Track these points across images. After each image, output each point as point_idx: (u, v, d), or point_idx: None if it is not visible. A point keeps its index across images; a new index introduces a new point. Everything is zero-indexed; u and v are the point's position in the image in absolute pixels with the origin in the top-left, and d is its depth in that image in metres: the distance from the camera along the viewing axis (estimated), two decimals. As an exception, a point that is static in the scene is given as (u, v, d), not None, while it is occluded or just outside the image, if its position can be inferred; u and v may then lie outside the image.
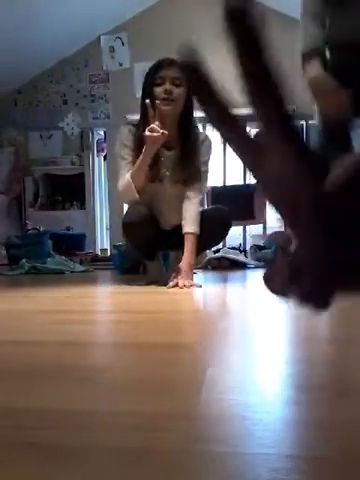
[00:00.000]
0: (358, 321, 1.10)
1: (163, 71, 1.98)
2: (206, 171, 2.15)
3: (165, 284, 1.90)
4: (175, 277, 1.94)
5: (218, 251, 3.73)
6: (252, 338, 0.93)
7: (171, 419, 0.48)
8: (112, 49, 4.76)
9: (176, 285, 1.88)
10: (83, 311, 1.32)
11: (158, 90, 1.97)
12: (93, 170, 4.77)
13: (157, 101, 1.96)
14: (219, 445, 0.42)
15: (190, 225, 2.02)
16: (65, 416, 0.49)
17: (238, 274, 2.86)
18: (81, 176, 4.76)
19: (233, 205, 3.82)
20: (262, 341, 0.89)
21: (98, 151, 4.80)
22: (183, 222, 2.04)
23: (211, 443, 0.42)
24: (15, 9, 3.75)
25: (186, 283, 1.88)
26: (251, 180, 4.35)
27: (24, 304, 1.47)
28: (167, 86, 1.96)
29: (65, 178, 4.80)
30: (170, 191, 2.08)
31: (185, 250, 2.01)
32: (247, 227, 4.52)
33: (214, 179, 4.32)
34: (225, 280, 2.50)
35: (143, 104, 2.00)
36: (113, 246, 3.41)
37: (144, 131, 1.92)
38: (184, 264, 1.98)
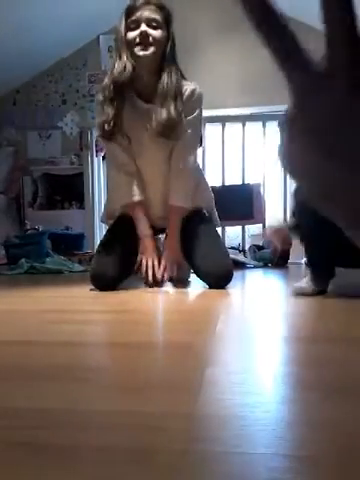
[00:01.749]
0: (358, 320, 1.10)
1: (138, 12, 1.75)
2: (193, 132, 1.85)
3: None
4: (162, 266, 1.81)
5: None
6: (250, 338, 0.93)
7: (169, 419, 0.48)
8: (111, 49, 4.75)
9: (154, 281, 1.78)
10: (81, 311, 1.32)
11: (132, 34, 1.75)
12: (92, 170, 4.77)
13: (134, 49, 1.74)
14: (217, 445, 0.42)
15: (176, 195, 1.83)
16: (62, 416, 0.49)
17: (237, 274, 2.86)
18: (80, 176, 4.75)
19: (232, 205, 3.84)
20: (260, 341, 0.89)
21: (97, 151, 4.79)
22: (170, 193, 1.83)
23: (209, 443, 0.42)
24: (14, 9, 3.75)
25: (167, 274, 1.78)
26: (250, 180, 4.35)
27: (22, 304, 1.47)
28: (143, 28, 1.73)
29: (64, 178, 4.79)
30: (152, 150, 1.83)
31: (170, 225, 1.85)
32: (246, 227, 4.52)
33: (213, 179, 4.33)
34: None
35: (118, 51, 1.80)
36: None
37: (121, 77, 1.73)
38: (170, 240, 1.85)
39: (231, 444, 0.42)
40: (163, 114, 1.75)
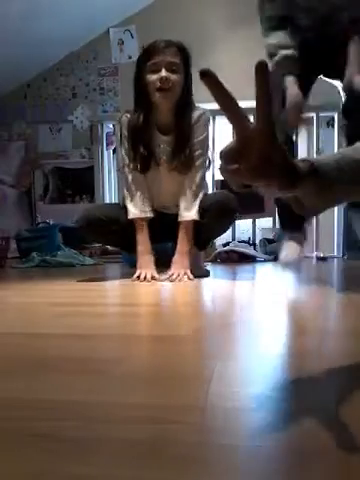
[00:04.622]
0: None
1: (157, 56, 1.83)
2: (203, 152, 1.99)
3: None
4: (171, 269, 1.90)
5: (227, 244, 3.72)
6: (260, 331, 0.93)
7: (181, 411, 0.48)
8: (121, 42, 4.74)
9: (169, 278, 1.84)
10: (93, 304, 1.33)
11: (153, 78, 1.83)
12: (102, 163, 4.77)
13: (154, 91, 1.85)
14: (229, 437, 0.42)
15: (184, 212, 1.93)
16: (74, 408, 0.50)
17: (247, 267, 2.85)
18: (91, 169, 4.76)
19: (242, 198, 3.81)
20: (271, 334, 0.89)
21: (107, 144, 4.80)
22: (179, 211, 1.95)
23: (220, 435, 0.43)
24: (23, 3, 3.75)
25: (178, 275, 1.84)
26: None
27: (35, 297, 1.49)
28: (163, 73, 1.82)
29: (75, 171, 4.80)
30: (167, 178, 1.99)
31: (179, 239, 1.94)
32: (257, 220, 4.50)
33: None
34: (234, 273, 2.50)
35: (137, 93, 1.92)
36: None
37: (139, 121, 1.90)
38: (177, 253, 1.93)
39: (242, 437, 0.42)
40: (177, 150, 1.93)
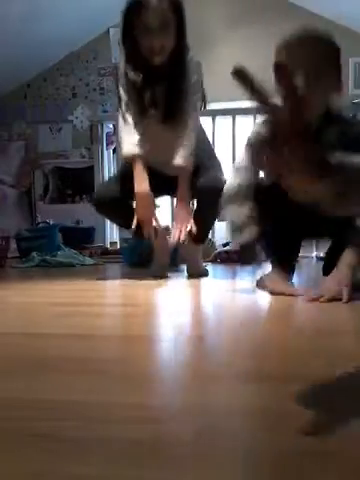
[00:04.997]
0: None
1: (149, 15, 1.71)
2: (197, 97, 1.94)
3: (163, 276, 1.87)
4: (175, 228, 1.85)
5: (227, 244, 3.72)
6: (260, 330, 0.93)
7: (181, 411, 0.48)
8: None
9: (178, 239, 1.81)
10: (93, 304, 1.33)
11: (145, 42, 1.75)
12: (102, 163, 4.77)
13: (146, 53, 1.78)
14: (228, 437, 0.42)
15: (180, 158, 1.85)
16: (74, 408, 0.50)
17: (247, 267, 2.85)
18: (91, 169, 4.76)
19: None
20: (272, 333, 0.89)
21: (108, 144, 4.79)
22: (174, 155, 1.87)
23: (220, 435, 0.43)
24: (24, 3, 3.75)
25: (182, 231, 1.81)
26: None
27: (35, 297, 1.49)
28: (156, 43, 1.74)
29: (75, 171, 4.81)
30: (161, 130, 1.92)
31: (178, 188, 1.88)
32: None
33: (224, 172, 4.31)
34: (234, 273, 2.50)
35: (127, 50, 1.83)
36: (122, 239, 3.42)
37: (137, 80, 1.85)
38: (178, 203, 1.89)
39: (242, 437, 0.43)
40: (171, 100, 1.86)
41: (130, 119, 1.93)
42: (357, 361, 0.68)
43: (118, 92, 1.96)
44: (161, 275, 1.98)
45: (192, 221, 1.85)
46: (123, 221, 2.00)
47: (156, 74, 1.87)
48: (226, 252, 3.44)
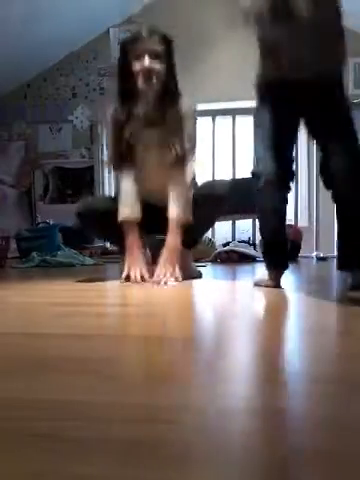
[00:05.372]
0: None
1: (141, 44, 1.85)
2: (193, 145, 1.99)
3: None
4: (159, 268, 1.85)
5: (227, 244, 3.72)
6: (260, 331, 0.93)
7: (181, 412, 0.48)
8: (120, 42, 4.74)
9: (155, 280, 1.79)
10: (93, 304, 1.33)
11: (136, 66, 1.85)
12: (102, 163, 4.77)
13: (137, 79, 1.86)
14: (228, 438, 0.42)
15: (175, 209, 1.88)
16: (73, 408, 0.50)
17: (247, 267, 2.85)
18: (91, 169, 4.77)
19: (242, 198, 3.82)
20: (270, 334, 0.89)
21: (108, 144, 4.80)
22: (169, 206, 1.90)
23: (220, 435, 0.43)
24: (24, 4, 3.75)
25: (166, 276, 1.79)
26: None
27: (35, 297, 1.49)
28: (146, 62, 1.83)
29: (75, 171, 4.81)
30: (154, 171, 1.96)
31: (168, 234, 1.88)
32: (257, 220, 4.50)
33: (223, 172, 4.32)
34: (234, 273, 2.50)
35: (120, 82, 1.93)
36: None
37: (123, 115, 1.91)
38: (166, 250, 1.88)
39: (242, 437, 0.42)
40: (171, 154, 1.91)
41: (124, 174, 1.96)
42: (353, 359, 0.68)
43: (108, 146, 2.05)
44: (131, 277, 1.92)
45: (177, 271, 1.84)
46: (104, 234, 2.08)
47: (151, 115, 1.92)
48: (226, 252, 3.44)
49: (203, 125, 4.45)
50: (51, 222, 3.93)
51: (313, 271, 2.72)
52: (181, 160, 1.91)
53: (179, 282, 1.81)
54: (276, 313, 1.15)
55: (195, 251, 3.40)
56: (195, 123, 2.01)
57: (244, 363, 0.68)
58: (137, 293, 1.60)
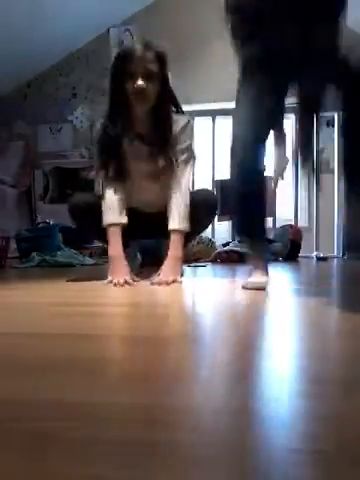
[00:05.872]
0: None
1: (133, 63, 1.83)
2: (189, 157, 2.01)
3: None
4: (160, 274, 1.86)
5: (227, 244, 3.73)
6: (259, 331, 0.93)
7: (181, 412, 0.48)
8: (121, 42, 4.75)
9: (157, 282, 1.78)
10: (93, 304, 1.33)
11: (129, 85, 1.85)
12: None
13: (129, 98, 1.87)
14: (227, 438, 0.42)
15: (176, 221, 1.91)
16: (73, 408, 0.50)
17: (247, 267, 2.85)
18: (91, 169, 4.77)
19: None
20: (271, 334, 0.89)
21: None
22: (169, 218, 1.93)
23: (220, 436, 0.43)
24: (24, 3, 3.75)
25: (169, 279, 1.80)
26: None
27: (34, 296, 1.49)
28: (139, 82, 1.83)
29: (75, 171, 4.81)
30: (146, 186, 2.03)
31: (171, 246, 1.91)
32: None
33: (222, 172, 4.32)
34: (234, 273, 2.50)
35: (112, 100, 1.93)
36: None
37: (113, 126, 1.91)
38: (170, 259, 1.90)
39: (241, 437, 0.43)
40: (160, 163, 1.95)
41: (111, 184, 1.96)
42: (349, 357, 0.68)
43: (97, 148, 2.01)
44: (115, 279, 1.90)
45: (179, 278, 1.85)
46: (96, 230, 2.01)
47: (143, 133, 1.95)
48: (226, 252, 3.45)
49: (203, 125, 4.47)
50: (51, 222, 3.93)
51: (313, 271, 2.72)
52: (176, 170, 1.95)
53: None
54: (275, 313, 1.15)
55: (195, 251, 3.41)
56: (192, 136, 2.05)
57: (243, 363, 0.68)
58: (137, 293, 1.60)
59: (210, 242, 3.69)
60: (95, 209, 1.97)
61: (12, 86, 4.94)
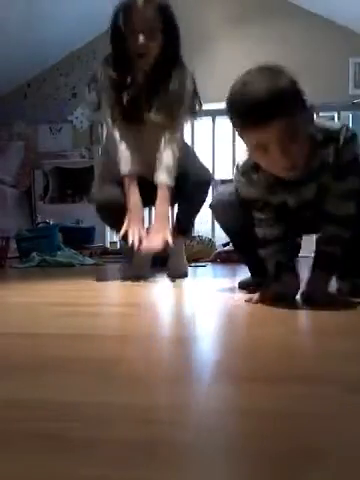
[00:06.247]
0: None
1: (135, 18, 1.76)
2: (186, 108, 1.95)
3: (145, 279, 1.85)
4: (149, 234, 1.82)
5: (227, 244, 3.72)
6: (259, 331, 0.93)
7: (181, 412, 0.48)
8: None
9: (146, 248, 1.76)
10: (93, 304, 1.33)
11: (130, 41, 1.79)
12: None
13: (131, 54, 1.82)
14: (227, 438, 0.42)
15: (162, 174, 1.85)
16: (74, 408, 0.50)
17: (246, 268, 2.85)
18: (91, 169, 4.77)
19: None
20: (268, 334, 0.89)
21: (107, 144, 4.80)
22: (157, 169, 1.86)
23: (219, 436, 0.43)
24: (23, 3, 3.75)
25: (154, 244, 1.76)
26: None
27: (34, 297, 1.49)
28: (141, 40, 1.77)
29: (75, 171, 4.81)
30: (151, 136, 1.91)
31: (157, 203, 1.85)
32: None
33: (223, 172, 4.32)
34: (234, 273, 2.50)
35: (113, 47, 1.87)
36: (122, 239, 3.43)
37: (117, 71, 1.86)
38: (156, 216, 1.86)
39: (241, 438, 0.43)
40: (162, 108, 1.87)
41: (118, 131, 1.90)
42: (348, 359, 0.68)
43: (99, 98, 1.96)
44: (141, 276, 1.93)
45: (168, 235, 1.81)
46: (117, 224, 1.95)
47: (142, 77, 1.89)
48: (226, 252, 3.44)
49: (203, 125, 4.46)
50: (51, 222, 3.93)
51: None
52: (173, 125, 1.89)
53: (172, 246, 1.82)
54: (275, 313, 1.15)
55: (195, 251, 3.41)
56: (191, 83, 1.95)
57: (243, 363, 0.68)
58: (138, 293, 1.60)
59: (210, 242, 3.69)
60: (123, 204, 1.87)
61: (12, 86, 4.94)
